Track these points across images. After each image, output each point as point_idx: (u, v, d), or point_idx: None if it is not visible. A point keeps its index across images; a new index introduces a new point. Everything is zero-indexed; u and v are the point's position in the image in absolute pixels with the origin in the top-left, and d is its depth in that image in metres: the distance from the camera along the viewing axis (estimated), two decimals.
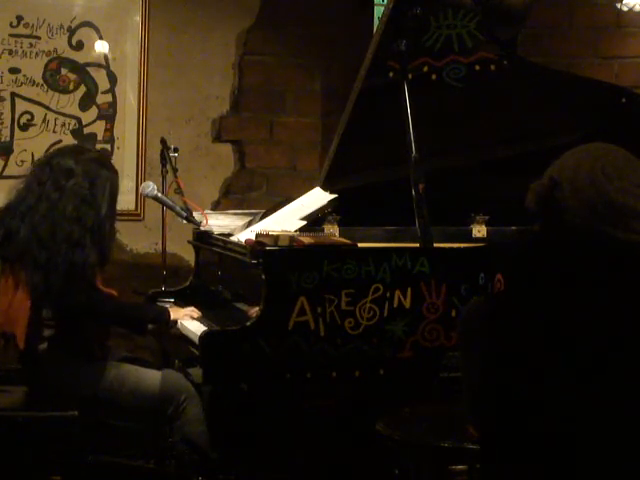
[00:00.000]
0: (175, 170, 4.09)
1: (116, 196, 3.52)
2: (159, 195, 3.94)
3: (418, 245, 3.36)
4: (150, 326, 3.62)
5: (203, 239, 3.98)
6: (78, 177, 3.42)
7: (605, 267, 1.87)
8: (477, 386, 1.96)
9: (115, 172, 3.56)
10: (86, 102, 4.94)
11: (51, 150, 3.84)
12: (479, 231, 4.05)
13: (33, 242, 3.34)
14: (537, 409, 1.85)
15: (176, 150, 4.16)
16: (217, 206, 5.07)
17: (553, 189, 1.92)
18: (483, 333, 1.92)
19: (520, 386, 1.87)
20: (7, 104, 4.86)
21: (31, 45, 4.86)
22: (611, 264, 1.87)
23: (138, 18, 4.96)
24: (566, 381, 1.83)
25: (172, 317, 3.55)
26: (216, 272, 3.92)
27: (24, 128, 4.87)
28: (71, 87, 4.92)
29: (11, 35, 4.85)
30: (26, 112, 4.88)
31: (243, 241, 3.49)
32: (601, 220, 1.87)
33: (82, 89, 4.93)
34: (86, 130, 4.93)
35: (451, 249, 3.43)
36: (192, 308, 3.61)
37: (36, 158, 4.82)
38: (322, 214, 3.82)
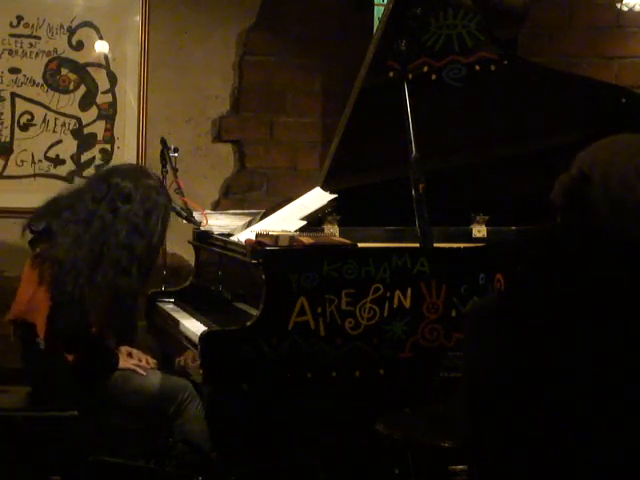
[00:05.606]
0: (175, 170, 4.09)
1: (167, 226, 3.50)
2: None
3: (418, 245, 3.36)
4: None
5: (203, 239, 3.97)
6: (135, 204, 3.37)
7: (627, 270, 1.82)
8: (478, 385, 1.95)
9: (170, 200, 3.53)
10: (86, 102, 4.93)
11: (111, 165, 3.70)
12: (479, 231, 4.05)
13: (81, 261, 3.29)
14: (538, 408, 1.85)
15: (176, 150, 4.16)
16: (217, 206, 5.07)
17: (583, 183, 1.86)
18: (492, 330, 1.89)
19: (521, 385, 1.86)
20: (7, 104, 4.85)
21: (31, 45, 4.86)
22: (633, 267, 1.82)
23: (138, 18, 4.95)
24: (572, 382, 1.82)
25: (120, 365, 3.47)
26: (216, 272, 3.92)
27: (24, 128, 4.87)
28: (71, 87, 4.92)
29: (11, 35, 4.84)
30: (26, 112, 4.87)
31: (243, 241, 3.49)
32: (628, 222, 1.83)
33: (82, 89, 4.93)
34: (86, 130, 4.93)
35: (451, 249, 3.43)
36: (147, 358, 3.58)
37: (36, 158, 4.83)
38: (322, 214, 3.81)
